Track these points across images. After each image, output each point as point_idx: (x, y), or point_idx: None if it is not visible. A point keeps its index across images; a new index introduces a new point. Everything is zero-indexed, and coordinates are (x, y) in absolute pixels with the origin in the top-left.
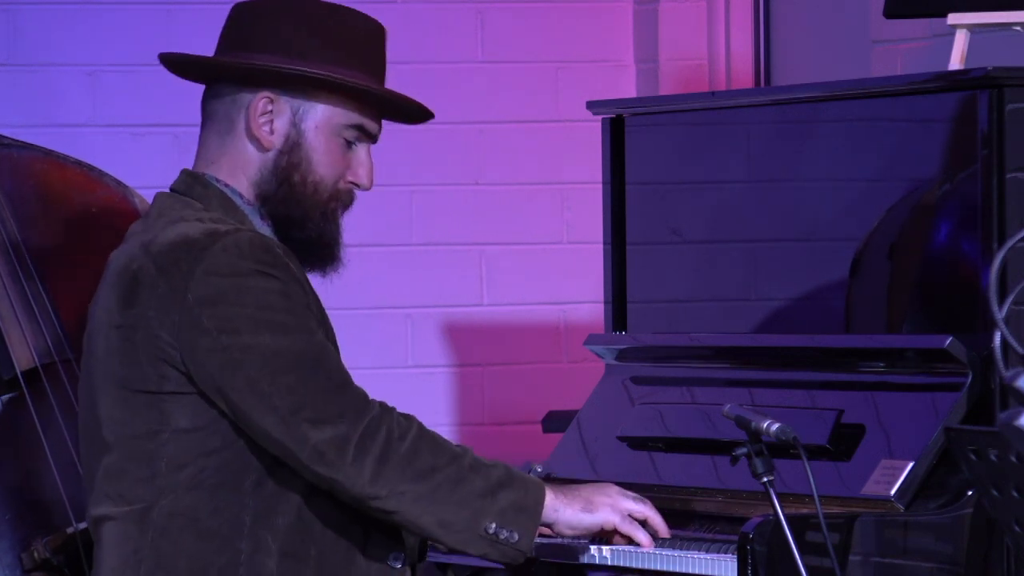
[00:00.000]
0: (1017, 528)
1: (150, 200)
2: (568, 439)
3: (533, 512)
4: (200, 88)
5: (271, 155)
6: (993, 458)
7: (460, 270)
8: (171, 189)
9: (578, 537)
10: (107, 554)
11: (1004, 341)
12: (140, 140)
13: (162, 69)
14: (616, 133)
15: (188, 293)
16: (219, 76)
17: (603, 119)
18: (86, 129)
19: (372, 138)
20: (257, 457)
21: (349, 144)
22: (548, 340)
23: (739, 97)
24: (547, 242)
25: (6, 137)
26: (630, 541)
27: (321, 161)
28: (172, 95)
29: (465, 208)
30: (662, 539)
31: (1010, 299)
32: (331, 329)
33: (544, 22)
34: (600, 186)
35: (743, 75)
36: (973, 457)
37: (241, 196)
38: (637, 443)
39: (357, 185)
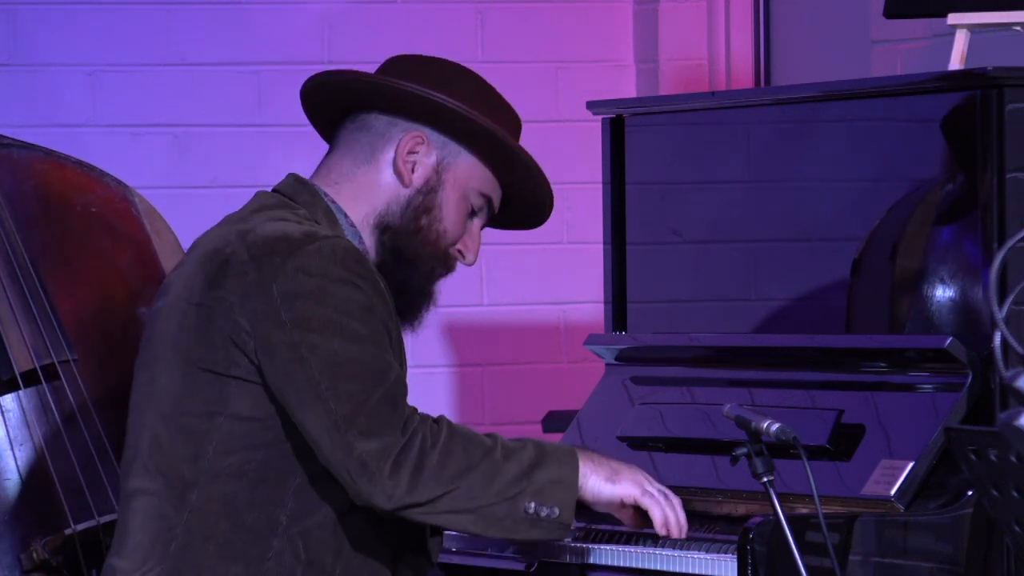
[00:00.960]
0: (1017, 528)
1: (150, 200)
2: (568, 439)
3: (570, 484)
4: (201, 90)
5: (407, 191)
6: (993, 458)
7: (460, 270)
8: (275, 189)
9: (598, 506)
10: (137, 527)
11: (1004, 341)
12: (140, 140)
13: (162, 69)
14: (616, 133)
15: (275, 285)
16: (374, 103)
17: (603, 119)
18: (86, 129)
19: (490, 214)
20: (304, 461)
21: (472, 213)
22: (548, 340)
23: (739, 97)
24: (547, 242)
25: (6, 137)
26: (643, 523)
27: (450, 215)
28: (172, 95)
29: None
30: (673, 539)
31: (1010, 299)
32: (403, 355)
33: (544, 22)
34: (600, 186)
35: (743, 75)
36: (973, 457)
37: (346, 216)
38: (637, 443)
39: (463, 255)
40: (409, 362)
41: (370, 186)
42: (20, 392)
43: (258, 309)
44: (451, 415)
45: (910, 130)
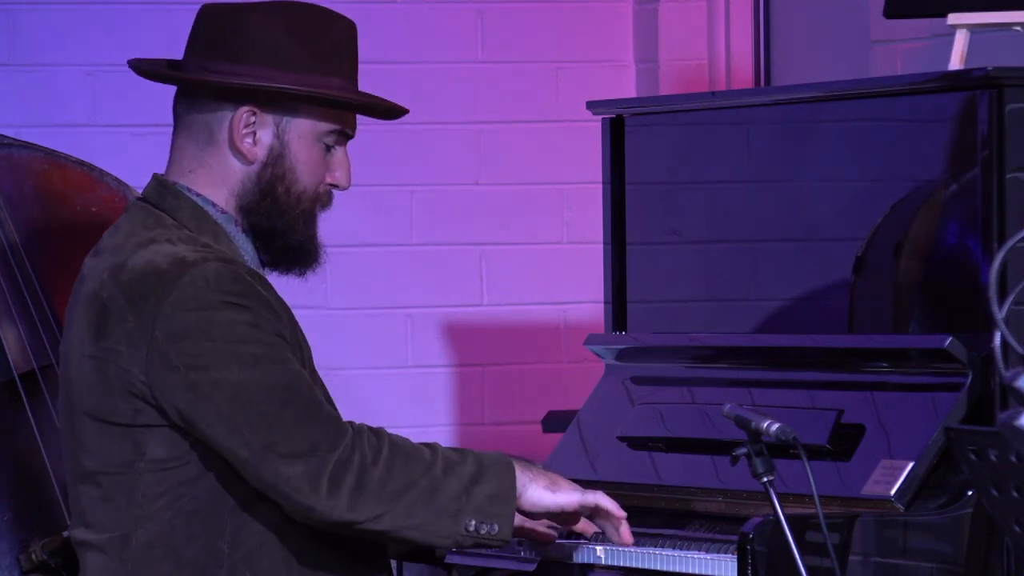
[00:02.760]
0: (1017, 528)
1: None
2: (568, 439)
3: (507, 499)
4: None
5: (254, 168)
6: (993, 458)
7: (460, 270)
8: (141, 197)
9: (536, 516)
10: None
11: (1004, 341)
12: (140, 140)
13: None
14: (616, 133)
15: (156, 329)
16: (199, 91)
17: (603, 119)
18: (86, 129)
19: (350, 138)
20: (233, 487)
21: (328, 148)
22: (548, 340)
23: (739, 97)
24: (547, 242)
25: (6, 137)
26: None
27: (304, 170)
28: (172, 95)
29: (465, 208)
30: (621, 546)
31: (1010, 299)
32: (307, 351)
33: (544, 22)
34: (600, 186)
35: (743, 75)
36: (973, 457)
37: (214, 205)
38: (637, 443)
39: (336, 186)
40: (409, 362)
41: (219, 168)
42: (19, 393)
43: (146, 356)
44: (451, 415)
45: (910, 130)
